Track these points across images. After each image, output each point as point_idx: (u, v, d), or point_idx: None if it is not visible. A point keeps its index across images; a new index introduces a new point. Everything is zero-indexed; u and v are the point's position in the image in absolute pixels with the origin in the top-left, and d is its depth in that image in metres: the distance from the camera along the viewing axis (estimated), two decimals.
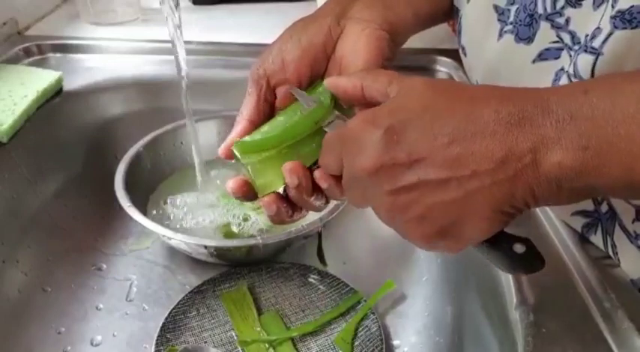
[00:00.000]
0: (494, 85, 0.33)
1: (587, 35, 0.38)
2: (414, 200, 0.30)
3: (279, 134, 0.38)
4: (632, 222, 0.41)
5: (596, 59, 0.36)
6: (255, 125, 0.40)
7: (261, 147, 0.38)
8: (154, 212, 0.65)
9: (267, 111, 0.41)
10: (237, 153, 0.38)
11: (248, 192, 0.39)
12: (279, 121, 0.39)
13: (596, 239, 0.45)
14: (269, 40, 0.83)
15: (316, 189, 0.38)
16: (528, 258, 0.33)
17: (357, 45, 0.40)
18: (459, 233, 0.31)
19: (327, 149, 0.35)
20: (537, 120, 0.29)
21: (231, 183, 0.39)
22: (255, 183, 0.38)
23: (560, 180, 0.29)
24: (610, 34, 0.35)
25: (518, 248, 0.33)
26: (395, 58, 0.43)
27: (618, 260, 0.43)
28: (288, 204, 0.39)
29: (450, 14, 0.53)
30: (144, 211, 0.60)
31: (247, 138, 0.39)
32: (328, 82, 0.37)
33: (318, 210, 0.40)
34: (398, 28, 0.43)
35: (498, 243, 0.32)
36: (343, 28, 0.42)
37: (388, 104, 0.33)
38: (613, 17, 0.35)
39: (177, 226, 0.64)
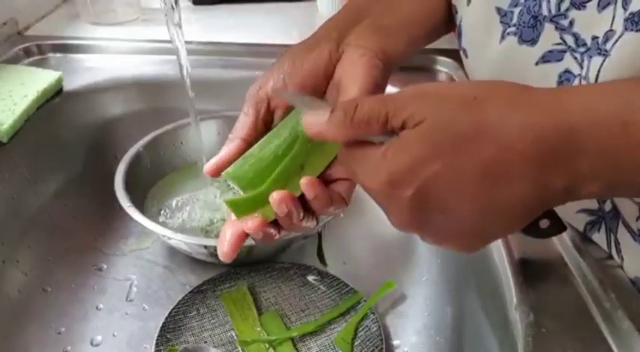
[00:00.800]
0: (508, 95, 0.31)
1: (594, 37, 0.38)
2: (449, 238, 0.32)
3: (267, 187, 0.37)
4: (636, 220, 0.41)
5: (604, 61, 0.36)
6: (249, 145, 0.40)
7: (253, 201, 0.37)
8: (152, 209, 0.65)
9: (263, 131, 0.41)
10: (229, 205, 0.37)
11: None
12: (267, 157, 0.38)
13: (600, 237, 0.45)
14: (269, 40, 0.83)
15: (306, 211, 0.37)
16: (551, 228, 0.36)
17: (354, 70, 0.40)
18: (492, 240, 0.34)
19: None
20: (571, 158, 0.28)
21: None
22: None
23: (587, 199, 0.31)
24: (621, 36, 0.35)
25: (544, 222, 0.36)
26: (386, 86, 0.43)
27: (621, 258, 0.43)
28: (275, 226, 0.38)
29: (441, 33, 0.53)
30: (143, 210, 0.60)
31: (237, 198, 0.38)
32: (311, 133, 0.34)
33: (307, 230, 0.40)
34: (392, 56, 0.43)
35: None
36: (342, 53, 0.42)
37: (403, 156, 0.30)
38: (626, 19, 0.35)
39: (176, 222, 0.64)
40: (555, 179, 0.29)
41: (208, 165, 0.39)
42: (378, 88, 0.41)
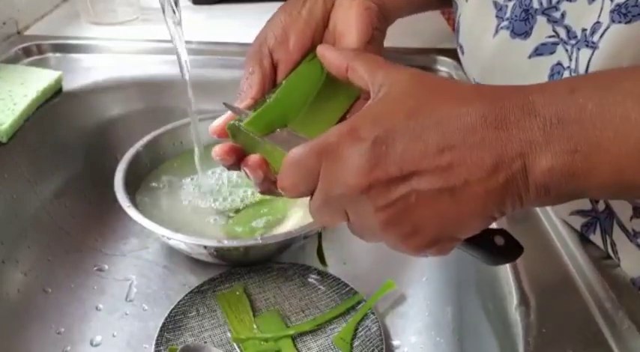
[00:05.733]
0: (487, 83, 0.32)
1: (583, 29, 0.38)
2: (407, 212, 0.30)
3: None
4: (630, 220, 0.41)
5: (593, 53, 0.36)
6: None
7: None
8: (144, 201, 0.65)
9: (270, 88, 0.40)
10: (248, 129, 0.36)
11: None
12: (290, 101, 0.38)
13: (596, 238, 0.45)
14: None
15: None
16: (508, 247, 0.34)
17: (348, 15, 0.41)
18: (449, 238, 0.31)
19: (293, 168, 0.32)
20: (524, 124, 0.28)
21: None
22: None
23: (550, 185, 0.28)
24: (607, 28, 0.35)
25: (499, 240, 0.33)
26: (386, 31, 0.44)
27: (618, 258, 0.43)
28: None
29: (443, 2, 0.53)
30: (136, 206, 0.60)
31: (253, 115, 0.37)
32: (319, 50, 0.37)
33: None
34: (387, 4, 0.44)
35: (479, 237, 0.32)
36: (334, 0, 0.42)
37: (371, 111, 0.31)
38: (612, 11, 0.35)
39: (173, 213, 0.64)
40: (509, 144, 0.28)
41: (213, 126, 0.39)
42: (374, 28, 0.41)
